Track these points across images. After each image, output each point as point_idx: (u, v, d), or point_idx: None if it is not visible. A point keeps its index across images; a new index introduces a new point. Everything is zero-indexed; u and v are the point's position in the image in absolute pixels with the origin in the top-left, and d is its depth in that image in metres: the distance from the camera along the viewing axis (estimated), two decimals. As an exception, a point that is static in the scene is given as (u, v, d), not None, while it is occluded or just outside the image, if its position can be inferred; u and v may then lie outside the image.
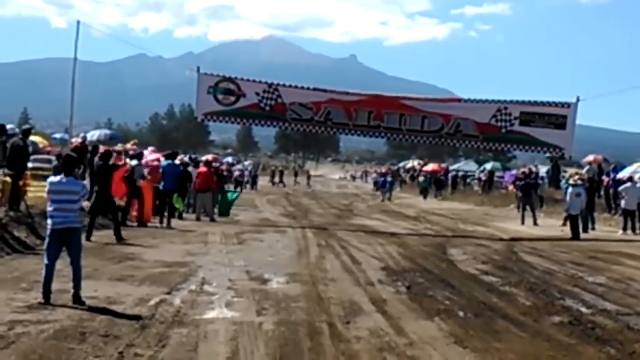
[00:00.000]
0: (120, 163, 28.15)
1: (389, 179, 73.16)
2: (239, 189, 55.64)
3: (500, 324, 13.53)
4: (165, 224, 27.14)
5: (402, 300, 15.56)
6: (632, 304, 16.11)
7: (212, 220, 31.51)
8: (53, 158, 55.34)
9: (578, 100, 34.65)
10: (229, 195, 37.41)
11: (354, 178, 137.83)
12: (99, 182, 24.52)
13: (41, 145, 66.46)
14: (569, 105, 34.57)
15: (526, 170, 61.98)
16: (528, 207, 40.09)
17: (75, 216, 13.92)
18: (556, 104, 34.78)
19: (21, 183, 24.33)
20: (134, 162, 28.34)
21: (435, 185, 73.37)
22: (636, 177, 36.23)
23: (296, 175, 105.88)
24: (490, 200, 60.39)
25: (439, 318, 13.81)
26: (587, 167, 51.20)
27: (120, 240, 23.12)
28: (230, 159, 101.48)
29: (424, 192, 70.04)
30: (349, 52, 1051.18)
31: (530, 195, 41.50)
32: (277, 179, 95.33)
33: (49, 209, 13.78)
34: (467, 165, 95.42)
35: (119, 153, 29.66)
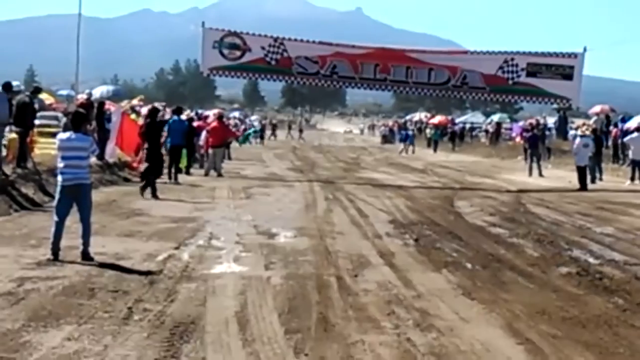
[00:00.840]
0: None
1: (410, 132, 73.28)
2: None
3: (508, 275, 13.58)
4: (173, 180, 27.11)
5: (410, 253, 15.64)
6: (639, 254, 16.16)
7: (220, 175, 31.53)
8: (59, 115, 55.58)
9: (585, 50, 34.72)
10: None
11: (362, 131, 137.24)
12: (148, 139, 24.67)
13: (47, 102, 66.51)
14: (575, 55, 34.64)
15: (533, 121, 62.18)
16: (535, 158, 39.98)
17: (85, 172, 13.98)
18: (563, 54, 34.88)
19: (28, 140, 24.35)
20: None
21: (451, 138, 73.29)
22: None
23: (300, 131, 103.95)
24: (498, 151, 60.59)
25: (446, 270, 13.87)
26: (594, 118, 51.34)
27: (154, 195, 23.29)
28: (237, 114, 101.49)
29: (434, 145, 69.81)
30: (355, 5, 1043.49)
31: (537, 146, 41.36)
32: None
33: (59, 165, 13.82)
34: (474, 117, 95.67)
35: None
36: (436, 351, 8.92)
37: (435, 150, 67.62)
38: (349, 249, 15.69)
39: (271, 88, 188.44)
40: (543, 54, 35.06)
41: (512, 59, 34.37)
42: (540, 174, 37.90)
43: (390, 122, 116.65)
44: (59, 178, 13.77)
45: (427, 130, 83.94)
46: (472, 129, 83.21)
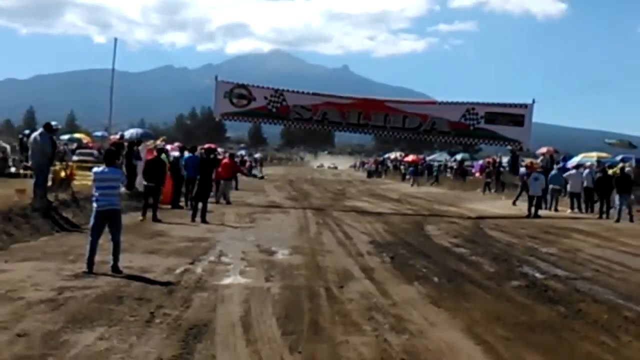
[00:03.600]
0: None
1: (412, 168, 73.35)
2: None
3: (469, 287, 13.54)
4: (189, 207, 26.81)
5: (387, 268, 15.57)
6: (578, 270, 16.15)
7: (228, 202, 31.40)
8: (95, 152, 55.54)
9: (533, 101, 34.75)
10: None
11: (354, 167, 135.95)
12: (201, 171, 24.73)
13: (84, 141, 66.62)
14: (526, 105, 34.68)
15: (490, 160, 62.19)
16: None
17: (116, 199, 14.02)
18: (515, 105, 34.91)
19: (69, 172, 24.28)
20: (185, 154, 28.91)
21: (421, 172, 73.29)
22: (587, 164, 36.39)
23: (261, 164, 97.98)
24: (461, 185, 60.39)
25: (417, 283, 13.83)
26: (541, 157, 51.26)
27: (204, 221, 23.22)
28: (243, 152, 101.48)
29: (413, 179, 69.62)
30: (342, 63, 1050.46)
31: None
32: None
33: (95, 193, 13.79)
34: (440, 156, 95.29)
35: (153, 148, 29.51)
36: (408, 350, 8.91)
37: (413, 184, 67.36)
38: (335, 265, 15.63)
39: (272, 131, 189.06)
40: (499, 105, 35.07)
41: (473, 109, 34.47)
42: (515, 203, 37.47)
43: (371, 160, 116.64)
44: (94, 204, 13.74)
45: (402, 167, 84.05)
46: (439, 166, 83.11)
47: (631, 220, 28.77)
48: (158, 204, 23.83)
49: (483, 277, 14.93)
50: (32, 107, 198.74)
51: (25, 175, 37.62)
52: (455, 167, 74.59)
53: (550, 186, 34.41)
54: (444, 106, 35.45)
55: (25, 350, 8.15)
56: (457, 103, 35.41)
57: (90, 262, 13.27)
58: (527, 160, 60.62)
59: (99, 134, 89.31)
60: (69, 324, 9.39)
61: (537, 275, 15.37)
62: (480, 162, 71.71)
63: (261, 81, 36.61)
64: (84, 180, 24.87)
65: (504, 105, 35.06)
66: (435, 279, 14.33)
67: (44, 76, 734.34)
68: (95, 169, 14.39)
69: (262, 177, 45.54)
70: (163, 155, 26.21)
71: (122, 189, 20.09)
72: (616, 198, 29.64)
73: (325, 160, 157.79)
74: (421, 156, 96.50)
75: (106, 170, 13.93)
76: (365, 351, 8.76)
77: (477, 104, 34.93)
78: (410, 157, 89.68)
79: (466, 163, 75.04)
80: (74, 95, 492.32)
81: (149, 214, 23.09)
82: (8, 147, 52.83)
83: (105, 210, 13.63)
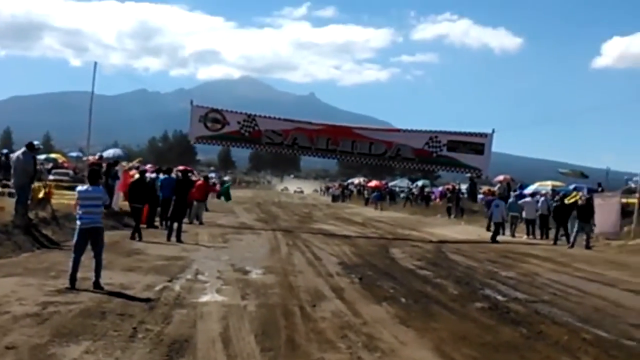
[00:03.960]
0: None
1: (377, 193, 73.65)
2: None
3: (435, 308, 13.59)
4: (164, 227, 26.67)
5: (356, 289, 15.60)
6: (537, 293, 16.27)
7: (201, 223, 31.36)
8: (70, 172, 55.21)
9: (493, 131, 35.25)
10: (225, 187, 37.61)
11: (320, 191, 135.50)
12: (177, 192, 24.59)
13: (60, 161, 66.16)
14: (486, 135, 35.14)
15: (450, 186, 62.61)
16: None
17: (99, 217, 14.01)
18: (476, 134, 35.34)
19: (47, 190, 24.09)
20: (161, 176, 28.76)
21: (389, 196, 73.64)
22: (542, 192, 36.74)
23: None
24: (421, 210, 60.68)
25: (385, 303, 13.87)
26: (498, 185, 51.77)
27: (179, 241, 23.10)
28: (213, 175, 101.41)
29: (376, 203, 69.85)
30: (309, 90, 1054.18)
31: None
32: None
33: (78, 212, 13.77)
34: (402, 182, 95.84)
35: (129, 169, 29.46)
36: None
37: (375, 207, 67.51)
38: (307, 285, 15.67)
39: (240, 154, 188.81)
40: (461, 133, 35.50)
41: (436, 137, 34.83)
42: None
43: (335, 185, 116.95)
44: (78, 222, 13.72)
45: (365, 192, 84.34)
46: (401, 191, 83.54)
47: (588, 247, 29.09)
48: (139, 224, 23.69)
49: (448, 298, 14.98)
50: (8, 127, 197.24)
51: (2, 194, 37.42)
52: (416, 193, 74.97)
53: (510, 213, 34.75)
54: (408, 134, 35.77)
55: (14, 364, 8.10)
56: (420, 131, 35.79)
57: (73, 279, 13.21)
58: (485, 188, 61.32)
59: (74, 154, 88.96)
60: (55, 337, 9.35)
61: (499, 297, 15.46)
62: (440, 188, 72.24)
63: (231, 106, 36.73)
64: (61, 200, 24.77)
65: (466, 134, 35.53)
66: (403, 300, 14.38)
67: (20, 97, 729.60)
68: (79, 188, 14.40)
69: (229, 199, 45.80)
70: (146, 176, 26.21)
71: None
72: (575, 225, 30.00)
73: (291, 184, 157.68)
74: (384, 182, 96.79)
75: (90, 189, 13.92)
76: (340, 368, 8.79)
77: (440, 132, 35.36)
78: (374, 183, 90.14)
79: (426, 189, 75.38)
80: (50, 117, 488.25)
81: (129, 232, 23.04)
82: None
83: (89, 227, 13.60)
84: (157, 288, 13.89)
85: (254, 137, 34.88)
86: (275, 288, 14.92)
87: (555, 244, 31.14)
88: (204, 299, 13.16)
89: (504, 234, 33.03)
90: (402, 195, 79.83)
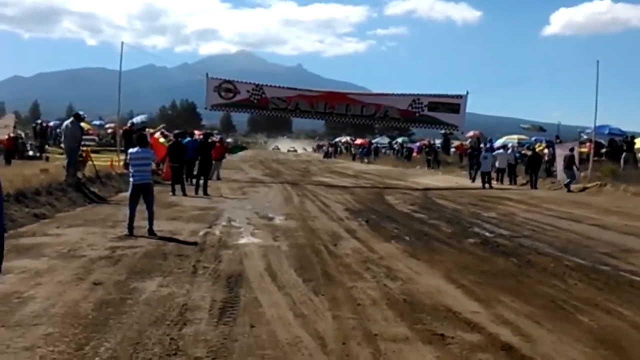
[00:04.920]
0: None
1: (363, 149, 74.24)
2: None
3: (435, 244, 13.83)
4: (189, 183, 26.75)
5: (365, 230, 15.82)
6: (518, 230, 16.57)
7: (219, 179, 31.46)
8: (96, 137, 55.17)
9: (467, 93, 35.35)
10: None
11: (314, 150, 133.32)
12: (201, 152, 24.91)
13: (86, 129, 66.01)
14: (461, 96, 35.20)
15: (426, 141, 62.80)
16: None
17: (148, 175, 14.25)
18: (452, 96, 35.48)
19: (84, 154, 24.22)
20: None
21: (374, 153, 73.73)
22: (509, 145, 37.06)
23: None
24: (403, 163, 60.83)
25: (393, 241, 14.09)
26: (469, 139, 51.97)
27: (205, 194, 23.26)
28: (219, 137, 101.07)
29: (363, 158, 70.13)
30: (297, 62, 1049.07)
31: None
32: None
33: (131, 170, 14.03)
34: (382, 139, 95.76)
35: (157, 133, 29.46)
36: (406, 292, 9.19)
37: (362, 161, 67.77)
38: (324, 227, 15.90)
39: (240, 119, 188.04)
40: (439, 95, 35.62)
41: (419, 99, 34.92)
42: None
43: (326, 143, 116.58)
44: (131, 179, 13.96)
45: (352, 149, 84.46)
46: (382, 147, 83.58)
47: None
48: (183, 181, 23.79)
49: (444, 236, 15.23)
50: (36, 100, 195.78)
51: (41, 158, 37.53)
52: (396, 148, 75.14)
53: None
54: (394, 97, 35.82)
55: (107, 295, 8.34)
56: (404, 94, 35.83)
57: (131, 227, 13.47)
58: (457, 142, 61.52)
59: (97, 122, 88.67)
60: (131, 274, 9.60)
61: (487, 234, 15.72)
62: (418, 143, 72.32)
63: (229, 77, 36.43)
64: (96, 161, 24.95)
65: (444, 96, 35.70)
66: (407, 238, 14.60)
67: (45, 74, 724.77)
68: (130, 150, 14.68)
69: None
70: (163, 140, 26.20)
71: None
72: (565, 172, 30.48)
73: (283, 144, 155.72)
74: (367, 139, 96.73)
75: (140, 150, 14.15)
76: (372, 293, 9.04)
77: (421, 95, 35.45)
78: (360, 140, 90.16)
79: (406, 145, 75.58)
80: (72, 90, 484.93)
81: (162, 188, 23.10)
82: (23, 135, 52.46)
83: (140, 184, 13.84)
84: (200, 233, 14.12)
85: (261, 103, 34.95)
86: (299, 231, 15.12)
87: (534, 187, 31.48)
88: (242, 241, 13.38)
89: (490, 181, 33.34)
90: (384, 150, 80.00)
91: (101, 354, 6.12)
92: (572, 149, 31.21)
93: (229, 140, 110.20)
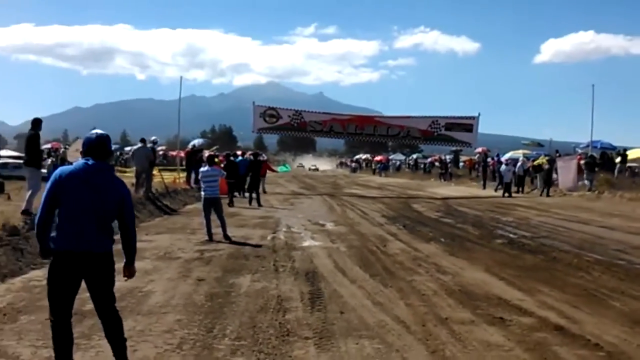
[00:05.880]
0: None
1: (381, 164, 74.60)
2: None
3: (468, 245, 13.94)
4: (241, 196, 27.09)
5: (404, 233, 15.96)
6: (536, 232, 16.58)
7: (264, 192, 31.73)
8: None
9: (479, 114, 35.47)
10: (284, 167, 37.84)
11: (337, 166, 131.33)
12: (252, 170, 25.55)
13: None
14: (474, 117, 35.36)
15: (437, 157, 62.86)
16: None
17: (217, 190, 14.56)
18: (466, 117, 35.67)
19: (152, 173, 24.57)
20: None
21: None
22: (520, 160, 37.04)
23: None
24: (418, 176, 60.92)
25: (432, 242, 14.22)
26: (477, 155, 51.97)
27: (259, 205, 23.43)
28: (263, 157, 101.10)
29: (381, 172, 70.27)
30: (319, 90, 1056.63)
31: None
32: None
33: (202, 185, 14.43)
34: (397, 156, 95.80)
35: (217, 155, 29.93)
36: (458, 284, 9.41)
37: (380, 175, 67.92)
38: (370, 231, 16.06)
39: (270, 141, 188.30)
40: (455, 117, 35.84)
41: (437, 120, 35.21)
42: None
43: (348, 160, 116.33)
44: (202, 193, 14.39)
45: (372, 165, 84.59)
46: (400, 163, 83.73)
47: (548, 195, 29.88)
48: (233, 195, 24.03)
49: (474, 237, 15.35)
50: (94, 127, 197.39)
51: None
52: (412, 163, 75.29)
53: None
54: (416, 119, 36.06)
55: (212, 289, 8.64)
56: (424, 117, 36.10)
57: (210, 233, 13.78)
58: (465, 157, 61.48)
59: (149, 146, 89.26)
60: (225, 272, 9.90)
61: (511, 235, 15.80)
62: (429, 159, 72.35)
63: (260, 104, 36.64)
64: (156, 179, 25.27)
65: (459, 117, 35.86)
66: (442, 240, 14.70)
67: (101, 104, 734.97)
68: (202, 169, 15.02)
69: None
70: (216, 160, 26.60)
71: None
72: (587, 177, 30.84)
73: (306, 161, 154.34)
74: (385, 156, 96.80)
75: (209, 169, 14.57)
76: (431, 285, 9.27)
77: (439, 117, 35.71)
78: (379, 157, 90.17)
79: (419, 160, 75.66)
80: (124, 118, 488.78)
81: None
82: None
83: (210, 197, 14.21)
84: (268, 238, 14.36)
85: (300, 127, 35.38)
86: (349, 235, 15.29)
87: (548, 195, 31.31)
88: (306, 244, 13.58)
89: (510, 190, 32.73)
90: (397, 164, 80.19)
91: (228, 335, 6.45)
92: (589, 157, 31.31)
93: (264, 158, 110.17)
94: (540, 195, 31.56)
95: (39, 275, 9.01)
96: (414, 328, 6.87)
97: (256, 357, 5.79)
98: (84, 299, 7.43)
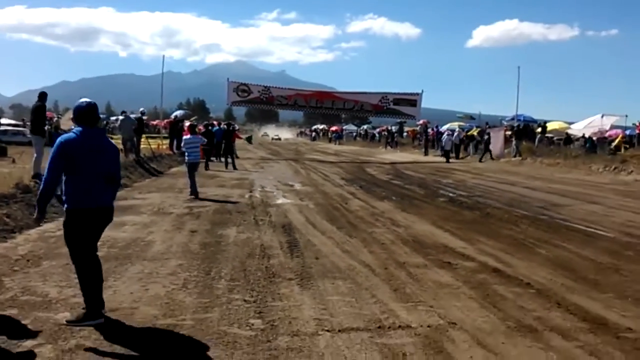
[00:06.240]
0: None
1: (336, 134, 74.36)
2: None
3: (416, 202, 14.20)
4: (218, 160, 26.92)
5: (362, 193, 16.11)
6: (471, 192, 16.90)
7: (237, 157, 31.60)
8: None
9: (422, 91, 35.87)
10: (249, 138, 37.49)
11: (297, 135, 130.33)
12: (226, 137, 25.80)
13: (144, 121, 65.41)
14: (418, 94, 35.63)
15: (384, 128, 63.10)
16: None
17: (198, 155, 14.69)
18: (412, 93, 35.95)
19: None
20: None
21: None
22: (456, 130, 37.50)
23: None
24: (367, 144, 61.21)
25: (386, 200, 14.42)
26: (419, 126, 52.36)
27: (234, 168, 23.28)
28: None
29: (336, 141, 70.27)
30: (281, 69, 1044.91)
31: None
32: None
33: (186, 151, 14.37)
34: (350, 127, 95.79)
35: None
36: (411, 235, 9.62)
37: (335, 143, 68.03)
38: (332, 191, 16.20)
39: (239, 112, 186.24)
40: (402, 93, 36.10)
41: (386, 96, 35.48)
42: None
43: (308, 130, 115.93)
44: (186, 158, 14.37)
45: (329, 134, 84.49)
46: (349, 132, 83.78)
47: (480, 161, 30.38)
48: (209, 159, 23.86)
49: (420, 196, 15.63)
50: (81, 98, 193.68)
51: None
52: (362, 133, 75.52)
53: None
54: (368, 95, 36.33)
55: (205, 239, 8.73)
56: (375, 93, 36.30)
57: (195, 191, 13.75)
58: (409, 128, 61.87)
59: (132, 116, 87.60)
60: (213, 225, 9.97)
61: (451, 194, 16.11)
62: (378, 129, 72.56)
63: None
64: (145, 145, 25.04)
65: (405, 93, 36.10)
66: (394, 198, 14.97)
67: (87, 79, 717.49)
68: (185, 137, 15.04)
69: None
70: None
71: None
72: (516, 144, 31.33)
73: (270, 131, 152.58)
74: (339, 126, 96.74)
75: (191, 137, 14.62)
76: (388, 236, 9.48)
77: (388, 93, 35.95)
78: (334, 127, 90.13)
79: (369, 131, 75.87)
80: (108, 91, 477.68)
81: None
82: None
83: (194, 162, 14.24)
84: (246, 196, 14.41)
85: (269, 100, 35.31)
86: (315, 194, 15.42)
87: (481, 161, 31.85)
88: (279, 201, 13.67)
89: (449, 157, 33.39)
90: (352, 135, 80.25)
91: (224, 276, 6.60)
92: (518, 127, 31.91)
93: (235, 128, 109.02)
94: (481, 160, 32.13)
95: (52, 227, 9.00)
96: (378, 271, 7.11)
97: (249, 294, 5.94)
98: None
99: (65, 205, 4.94)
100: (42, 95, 13.46)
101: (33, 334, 4.68)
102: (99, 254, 5.20)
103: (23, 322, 4.95)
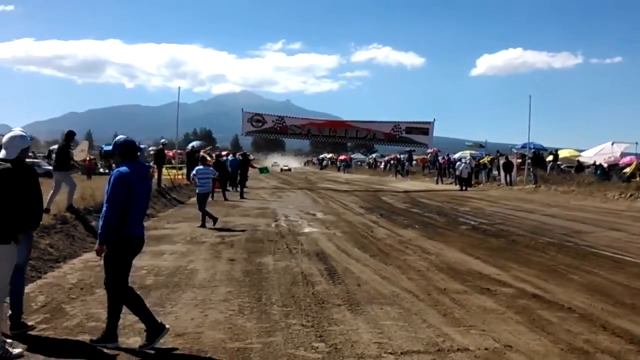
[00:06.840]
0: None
1: (345, 163, 74.43)
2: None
3: (440, 230, 14.34)
4: (234, 190, 27.18)
5: (384, 221, 16.26)
6: (492, 219, 17.03)
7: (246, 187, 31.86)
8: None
9: (434, 120, 36.07)
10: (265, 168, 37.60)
11: (304, 164, 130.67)
12: (241, 168, 25.99)
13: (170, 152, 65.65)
14: (430, 122, 35.92)
15: (393, 156, 63.33)
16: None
17: (209, 186, 15.13)
18: (424, 122, 36.16)
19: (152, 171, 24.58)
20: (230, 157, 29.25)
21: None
22: (467, 159, 37.67)
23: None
24: (376, 173, 61.27)
25: (410, 228, 14.58)
26: (429, 154, 52.58)
27: (242, 197, 23.55)
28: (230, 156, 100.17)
29: (345, 170, 70.46)
30: (286, 98, 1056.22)
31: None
32: None
33: (198, 182, 14.76)
34: (357, 155, 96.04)
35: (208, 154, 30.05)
36: (443, 262, 9.80)
37: (344, 172, 68.15)
38: (355, 220, 16.38)
39: (245, 142, 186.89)
40: (414, 122, 36.29)
41: (398, 125, 35.71)
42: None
43: (315, 159, 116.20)
44: (197, 189, 14.85)
45: (337, 163, 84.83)
46: (359, 161, 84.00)
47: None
48: (225, 189, 24.08)
49: (442, 224, 15.75)
50: (89, 130, 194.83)
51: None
52: (371, 162, 75.76)
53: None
54: (380, 124, 36.61)
55: (246, 267, 8.95)
56: (388, 122, 36.60)
57: (214, 219, 14.06)
58: (418, 156, 62.09)
59: (143, 146, 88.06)
60: (250, 254, 10.17)
61: (472, 222, 16.25)
62: (386, 158, 72.76)
63: (235, 111, 36.92)
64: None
65: (418, 122, 36.31)
66: (417, 226, 15.08)
67: (94, 110, 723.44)
68: (197, 168, 15.37)
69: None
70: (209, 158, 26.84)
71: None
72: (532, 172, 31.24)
73: (278, 159, 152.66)
74: (348, 155, 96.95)
75: (203, 168, 15.08)
76: (422, 263, 9.68)
77: (400, 122, 36.14)
78: (343, 156, 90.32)
79: (378, 159, 76.06)
80: (115, 122, 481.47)
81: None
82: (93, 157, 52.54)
83: (204, 192, 14.64)
84: (272, 225, 14.62)
85: (282, 130, 35.62)
86: (339, 222, 15.60)
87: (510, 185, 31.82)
88: (306, 230, 13.86)
89: (465, 185, 33.04)
90: (360, 164, 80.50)
91: (275, 302, 6.82)
92: (534, 155, 32.00)
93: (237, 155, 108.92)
94: (506, 185, 31.97)
95: (93, 256, 9.20)
96: (422, 297, 7.31)
97: (305, 319, 6.15)
98: (142, 276, 7.80)
99: (111, 234, 5.13)
100: (69, 135, 13.44)
101: (111, 358, 4.90)
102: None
103: (98, 346, 5.17)
